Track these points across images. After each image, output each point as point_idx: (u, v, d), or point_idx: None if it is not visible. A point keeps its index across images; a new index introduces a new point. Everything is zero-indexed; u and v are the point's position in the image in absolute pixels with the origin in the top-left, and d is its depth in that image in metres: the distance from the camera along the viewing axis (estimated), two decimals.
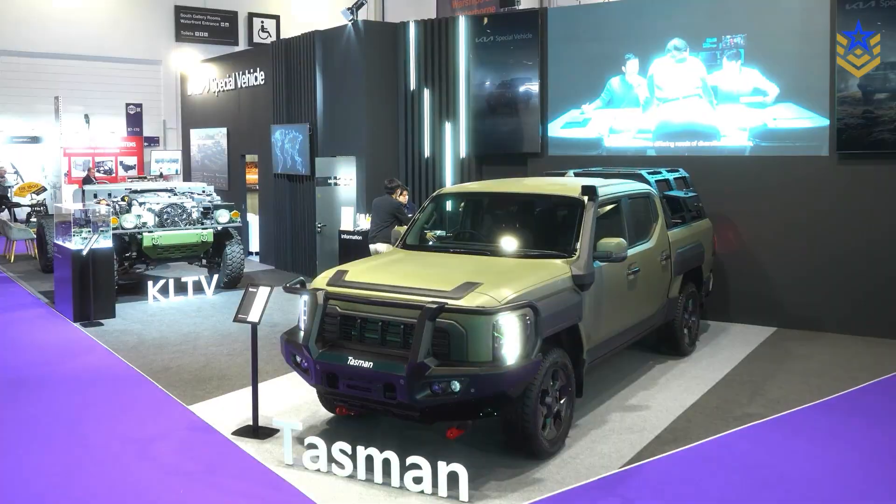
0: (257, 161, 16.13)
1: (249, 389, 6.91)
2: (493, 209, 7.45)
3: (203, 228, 12.27)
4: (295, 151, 14.06)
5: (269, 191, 15.41)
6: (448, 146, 12.40)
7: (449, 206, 7.74)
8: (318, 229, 12.52)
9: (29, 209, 20.66)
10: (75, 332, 10.04)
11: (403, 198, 10.68)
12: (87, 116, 25.52)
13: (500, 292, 5.58)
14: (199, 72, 18.28)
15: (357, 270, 6.32)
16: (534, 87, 11.55)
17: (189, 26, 26.67)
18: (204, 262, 13.05)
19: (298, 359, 6.02)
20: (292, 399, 7.29)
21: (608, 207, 7.15)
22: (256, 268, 15.21)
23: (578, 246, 6.45)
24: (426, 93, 12.55)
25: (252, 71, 15.89)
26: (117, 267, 11.62)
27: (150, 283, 11.86)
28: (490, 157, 12.20)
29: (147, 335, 9.81)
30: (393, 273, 6.27)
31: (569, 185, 7.31)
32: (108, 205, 11.81)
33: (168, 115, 26.53)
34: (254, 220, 16.44)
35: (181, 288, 12.12)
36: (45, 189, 22.23)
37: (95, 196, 12.70)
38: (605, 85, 11.06)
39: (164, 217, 12.09)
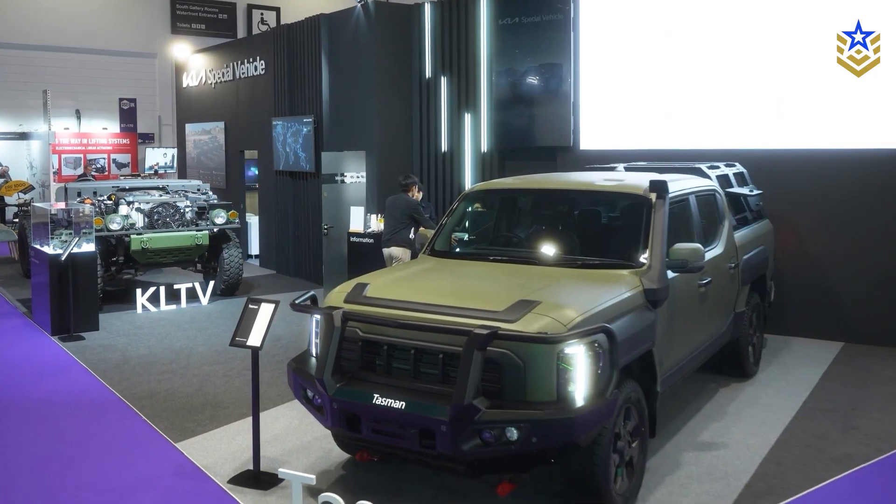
0: (257, 157, 14.99)
1: (249, 421, 5.80)
2: (540, 209, 6.28)
3: (198, 230, 11.12)
4: (298, 146, 12.92)
5: (270, 189, 14.26)
6: (468, 140, 11.25)
7: (484, 205, 6.58)
8: (325, 231, 11.37)
9: (16, 209, 19.52)
10: (51, 347, 8.89)
11: (418, 196, 9.56)
12: (78, 112, 24.39)
13: (565, 313, 4.44)
14: (196, 62, 17.13)
15: (380, 284, 5.18)
16: (565, 73, 10.40)
17: (185, 18, 25.51)
18: (199, 266, 11.91)
19: (310, 394, 4.88)
20: (300, 433, 6.14)
21: (675, 207, 6.00)
22: (256, 272, 14.06)
23: (649, 253, 5.30)
24: (444, 81, 11.41)
25: (251, 60, 14.75)
26: (102, 273, 10.48)
27: (138, 291, 10.69)
28: (514, 152, 11.06)
29: (133, 352, 8.66)
30: (425, 287, 5.12)
31: (630, 180, 6.16)
32: (92, 204, 10.68)
33: (164, 110, 25.32)
34: (253, 221, 15.28)
35: (173, 296, 10.97)
36: (32, 188, 21.05)
37: (79, 195, 11.56)
38: (646, 68, 9.92)
39: (155, 217, 10.94)
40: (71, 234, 9.64)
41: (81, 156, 24.38)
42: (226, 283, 11.47)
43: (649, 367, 5.11)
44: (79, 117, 24.43)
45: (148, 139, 25.68)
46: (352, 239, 10.73)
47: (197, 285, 11.14)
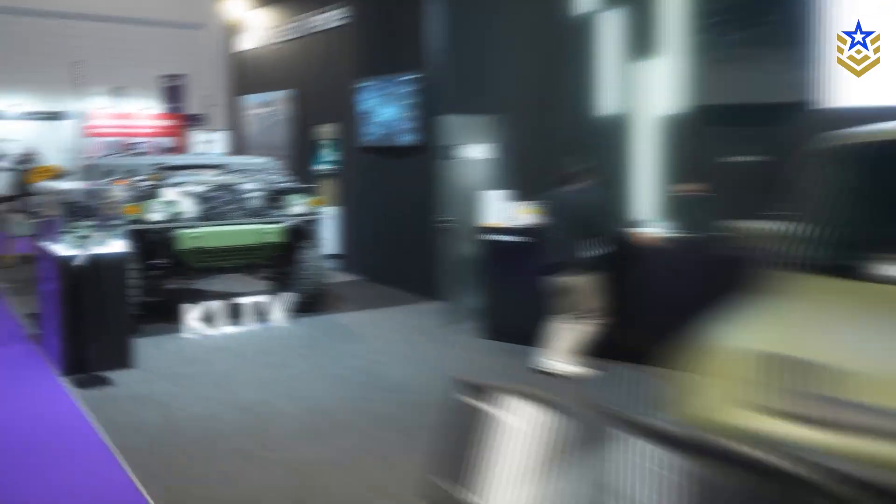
0: (336, 131, 11.90)
1: None
2: None
3: (269, 223, 8.03)
4: (396, 114, 9.81)
5: (353, 171, 11.17)
6: (646, 97, 8.00)
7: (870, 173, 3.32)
8: (444, 225, 8.21)
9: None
10: (59, 398, 5.87)
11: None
12: (116, 90, 21.60)
13: None
14: (253, 20, 14.12)
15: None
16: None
17: None
18: (268, 273, 8.83)
19: None
20: None
21: None
22: (338, 279, 10.96)
23: None
24: (609, 18, 8.18)
25: (327, 9, 11.66)
26: (139, 281, 7.45)
27: (187, 308, 7.66)
28: (721, 113, 7.76)
29: (180, 409, 5.59)
30: None
31: None
32: (127, 186, 7.73)
33: (214, 88, 22.42)
34: (328, 213, 12.18)
35: (235, 313, 7.91)
36: (66, 174, 18.22)
37: (109, 174, 8.55)
38: None
39: (211, 206, 7.88)
40: (93, 226, 6.63)
41: (120, 139, 21.63)
42: (305, 295, 8.38)
43: None
44: (117, 96, 21.64)
45: (196, 121, 22.83)
46: (489, 236, 7.56)
47: (267, 299, 8.06)
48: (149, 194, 7.80)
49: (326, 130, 12.51)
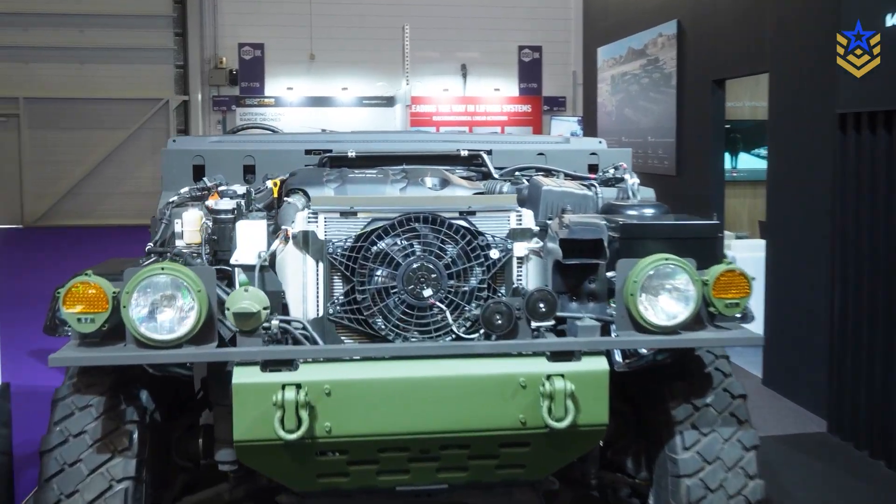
0: (770, 89, 5.73)
1: None
2: None
3: (561, 355, 2.31)
4: None
5: (810, 166, 4.95)
6: None
7: None
8: None
9: None
10: None
11: None
12: (464, 67, 17.47)
13: None
14: None
15: None
16: None
17: None
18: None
19: None
20: None
21: None
22: (761, 428, 4.84)
23: None
24: None
25: None
26: None
27: None
28: None
29: None
30: None
31: None
32: (214, 214, 2.56)
33: (579, 62, 17.24)
34: (747, 254, 6.02)
35: None
36: None
37: (201, 178, 3.43)
38: None
39: (382, 283, 2.40)
40: None
41: (466, 128, 17.52)
42: None
43: None
44: (465, 75, 17.50)
45: (557, 105, 17.91)
46: None
47: None
48: (221, 236, 2.56)
49: (737, 97, 6.44)
